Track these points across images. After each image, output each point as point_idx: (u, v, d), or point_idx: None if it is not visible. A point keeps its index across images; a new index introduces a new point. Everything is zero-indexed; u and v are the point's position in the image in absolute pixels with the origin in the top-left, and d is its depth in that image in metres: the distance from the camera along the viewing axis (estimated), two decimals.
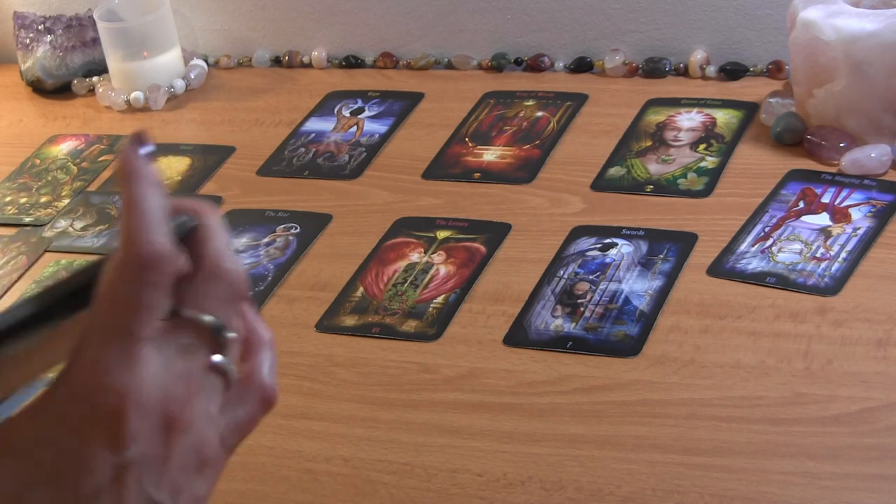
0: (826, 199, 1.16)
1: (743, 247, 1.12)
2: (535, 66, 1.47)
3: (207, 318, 0.57)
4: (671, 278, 1.09)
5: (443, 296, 1.12)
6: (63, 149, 1.46)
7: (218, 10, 1.59)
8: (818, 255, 1.09)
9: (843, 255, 1.09)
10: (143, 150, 0.58)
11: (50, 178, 1.41)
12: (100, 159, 1.43)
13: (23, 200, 1.38)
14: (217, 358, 0.58)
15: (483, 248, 1.17)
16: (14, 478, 0.54)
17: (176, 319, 0.57)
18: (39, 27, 1.57)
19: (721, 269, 1.10)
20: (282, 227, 1.25)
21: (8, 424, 0.55)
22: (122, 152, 0.57)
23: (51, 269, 1.25)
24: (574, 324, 1.06)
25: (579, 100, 1.39)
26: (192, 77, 1.54)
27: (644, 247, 1.14)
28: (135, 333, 0.55)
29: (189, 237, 0.58)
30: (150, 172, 0.57)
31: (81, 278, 0.57)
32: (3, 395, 0.59)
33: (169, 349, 0.56)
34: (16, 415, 0.55)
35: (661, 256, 1.12)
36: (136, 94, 1.51)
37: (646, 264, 1.11)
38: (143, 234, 0.55)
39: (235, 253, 0.58)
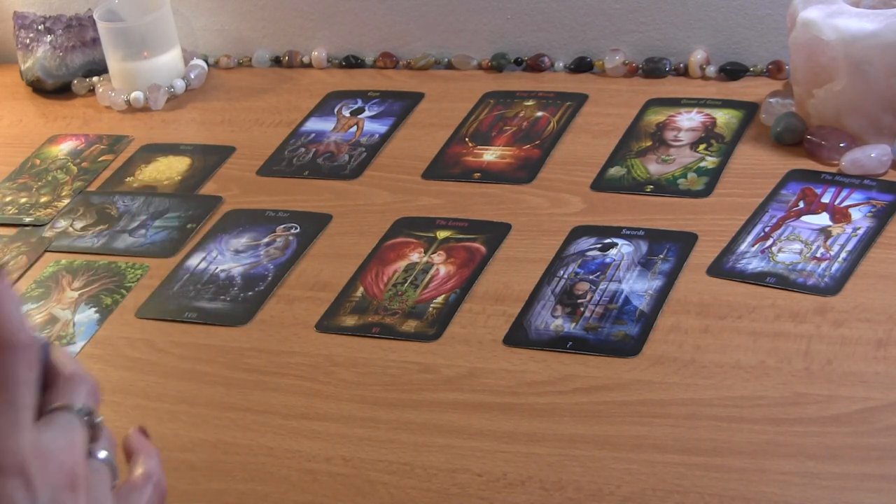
0: (826, 199, 1.16)
1: (743, 247, 1.12)
2: (535, 66, 1.47)
3: (78, 404, 0.65)
4: (671, 278, 1.09)
5: (443, 296, 1.12)
6: (63, 149, 1.46)
7: (218, 10, 1.59)
8: (818, 255, 1.09)
9: (843, 255, 1.09)
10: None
11: (50, 178, 1.41)
12: (100, 159, 1.43)
13: (23, 200, 1.38)
14: (101, 454, 0.65)
15: (483, 248, 1.17)
16: None
17: (51, 411, 0.64)
18: (39, 27, 1.57)
19: (721, 269, 1.10)
20: (282, 227, 1.25)
21: None
22: None
23: (51, 269, 1.25)
24: (574, 324, 1.06)
25: (579, 100, 1.39)
26: (192, 77, 1.54)
27: (644, 247, 1.14)
28: (17, 404, 0.61)
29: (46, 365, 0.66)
30: (5, 281, 0.64)
31: None
32: None
33: (52, 429, 0.63)
34: None
35: (661, 256, 1.12)
36: (136, 94, 1.51)
37: (646, 264, 1.11)
38: (15, 323, 0.62)
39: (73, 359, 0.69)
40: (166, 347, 1.12)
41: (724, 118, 1.31)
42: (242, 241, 1.24)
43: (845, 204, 1.15)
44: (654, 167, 1.25)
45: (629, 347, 1.03)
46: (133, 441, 0.72)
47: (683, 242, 1.13)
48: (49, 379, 0.65)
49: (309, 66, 1.56)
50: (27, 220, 1.34)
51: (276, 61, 1.58)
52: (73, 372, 0.66)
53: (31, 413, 0.62)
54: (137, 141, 1.46)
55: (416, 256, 1.18)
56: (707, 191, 1.21)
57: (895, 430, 0.92)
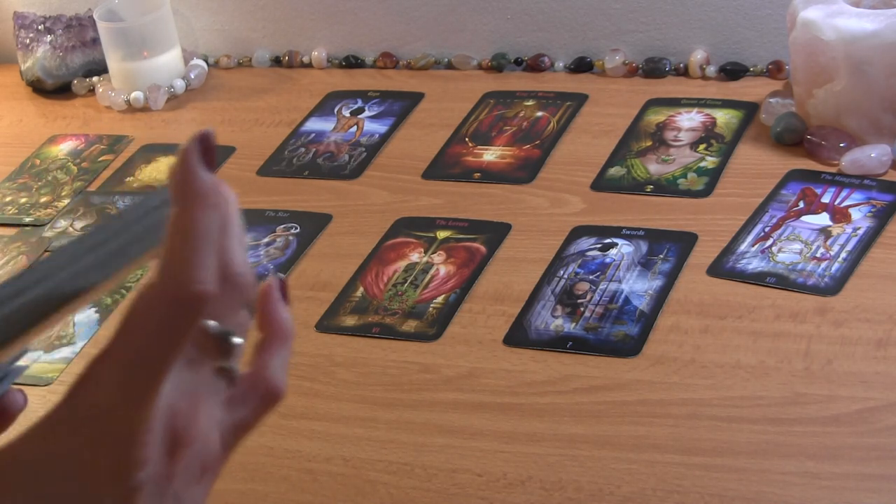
0: (826, 199, 1.16)
1: (743, 247, 1.12)
2: (535, 66, 1.47)
3: (214, 325, 0.55)
4: (671, 278, 1.09)
5: (443, 296, 1.12)
6: (63, 149, 1.46)
7: (218, 10, 1.59)
8: (818, 255, 1.09)
9: (843, 255, 1.09)
10: (207, 158, 0.54)
11: (50, 178, 1.41)
12: (100, 159, 1.43)
13: (23, 200, 1.38)
14: (223, 364, 0.56)
15: (483, 248, 1.17)
16: (20, 499, 0.53)
17: None
18: (39, 27, 1.57)
19: (721, 269, 1.10)
20: (282, 227, 1.25)
21: (16, 442, 0.54)
22: (183, 160, 0.54)
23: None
24: (574, 324, 1.06)
25: (579, 100, 1.39)
26: (192, 77, 1.54)
27: (644, 247, 1.14)
28: (163, 370, 0.52)
29: None
30: (212, 192, 0.54)
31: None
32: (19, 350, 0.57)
33: (177, 363, 0.54)
34: (25, 432, 0.54)
35: (661, 256, 1.12)
36: (136, 94, 1.51)
37: (646, 264, 1.11)
38: (192, 271, 0.52)
39: (245, 255, 0.56)
40: None
41: (724, 118, 1.31)
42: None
43: (845, 204, 1.15)
44: (654, 167, 1.25)
45: (629, 347, 1.03)
46: (267, 309, 0.59)
47: (683, 242, 1.13)
48: None
49: (309, 66, 1.56)
50: (27, 220, 1.34)
51: (276, 61, 1.58)
52: (225, 269, 0.55)
53: (168, 376, 0.53)
54: (137, 141, 1.46)
55: (416, 256, 1.18)
56: (707, 191, 1.21)
57: (895, 430, 0.92)
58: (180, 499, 0.55)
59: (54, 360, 1.12)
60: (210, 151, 0.55)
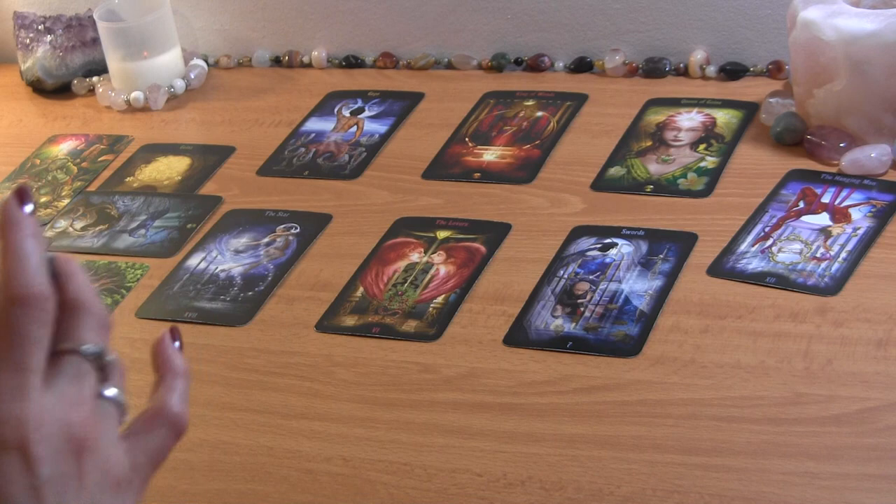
0: (826, 199, 1.16)
1: (743, 247, 1.12)
2: (535, 66, 1.47)
3: (86, 346, 0.62)
4: (671, 278, 1.09)
5: (443, 296, 1.12)
6: (63, 149, 1.46)
7: (218, 10, 1.59)
8: (818, 255, 1.09)
9: (843, 255, 1.09)
10: (24, 207, 0.62)
11: (50, 178, 1.41)
12: (100, 159, 1.43)
13: None
14: (109, 392, 0.62)
15: (483, 248, 1.17)
16: None
17: (58, 354, 0.61)
18: (39, 27, 1.57)
19: (721, 269, 1.10)
20: (282, 227, 1.25)
21: None
22: (4, 205, 0.62)
23: None
24: (574, 324, 1.06)
25: (579, 100, 1.39)
26: (192, 77, 1.54)
27: (644, 247, 1.14)
28: (24, 366, 0.59)
29: (53, 277, 0.62)
30: (29, 223, 0.61)
31: None
32: None
33: (59, 380, 0.60)
34: None
35: (661, 256, 1.12)
36: (136, 94, 1.51)
37: (646, 264, 1.11)
38: (25, 278, 0.60)
39: (92, 286, 0.65)
40: None
41: (724, 118, 1.31)
42: (242, 241, 1.24)
43: (845, 204, 1.15)
44: (654, 167, 1.25)
45: (629, 347, 1.03)
46: (159, 353, 0.68)
47: (683, 242, 1.13)
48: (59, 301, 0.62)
49: (309, 66, 1.56)
50: None
51: (276, 61, 1.58)
52: (79, 299, 0.63)
53: (38, 376, 0.60)
54: (137, 141, 1.46)
55: (416, 256, 1.18)
56: (707, 191, 1.21)
57: (895, 430, 0.92)
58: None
59: None
60: (27, 202, 0.63)
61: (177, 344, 0.68)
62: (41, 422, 0.59)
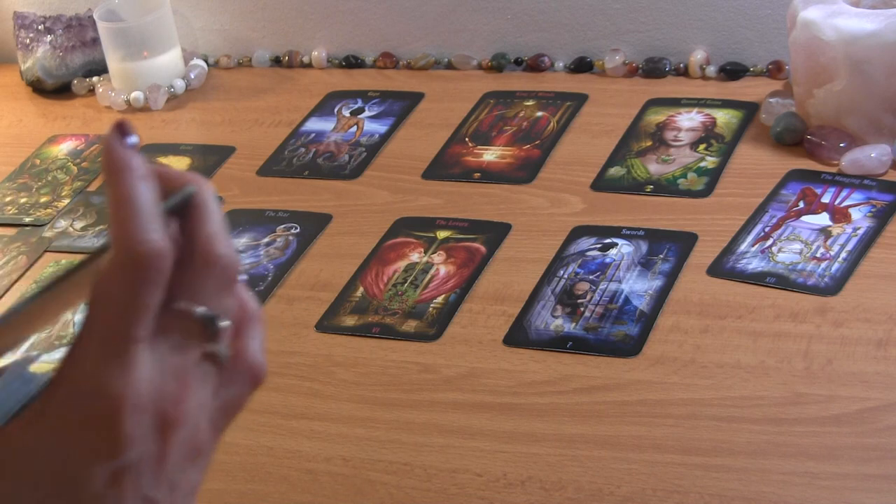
0: (826, 199, 1.16)
1: (743, 247, 1.12)
2: (535, 66, 1.47)
3: (200, 309, 0.55)
4: (671, 278, 1.09)
5: (443, 296, 1.12)
6: (63, 149, 1.46)
7: (218, 10, 1.59)
8: (818, 255, 1.09)
9: (843, 255, 1.09)
10: (128, 141, 0.55)
11: (50, 178, 1.41)
12: (100, 159, 1.42)
13: (23, 200, 1.38)
14: (212, 349, 0.56)
15: (483, 248, 1.17)
16: (13, 487, 0.54)
17: (168, 313, 0.55)
18: (39, 27, 1.57)
19: (721, 269, 1.10)
20: (282, 227, 1.25)
21: (10, 428, 0.54)
22: (106, 144, 0.55)
23: (51, 269, 1.25)
24: (574, 324, 1.06)
25: (579, 100, 1.39)
26: (192, 77, 1.54)
27: (644, 247, 1.14)
28: (132, 336, 0.53)
29: (182, 214, 0.55)
30: (137, 164, 0.54)
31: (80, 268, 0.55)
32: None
33: (162, 346, 0.54)
34: (12, 423, 0.54)
35: (661, 256, 1.12)
36: (136, 94, 1.51)
37: (646, 264, 1.11)
38: (136, 233, 0.53)
39: (228, 235, 0.57)
40: None
41: (724, 118, 1.31)
42: (242, 241, 1.24)
43: (845, 204, 1.15)
44: (654, 167, 1.25)
45: (629, 347, 1.03)
46: (239, 304, 0.58)
47: (683, 242, 1.13)
48: (185, 247, 0.55)
49: (309, 66, 1.56)
50: (27, 220, 1.34)
51: (276, 61, 1.58)
52: (207, 251, 0.55)
53: (142, 347, 0.53)
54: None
55: (416, 256, 1.18)
56: (707, 191, 1.21)
57: (895, 430, 0.92)
58: (175, 482, 0.55)
59: (54, 361, 1.12)
60: (130, 135, 0.55)
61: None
62: (137, 399, 0.53)
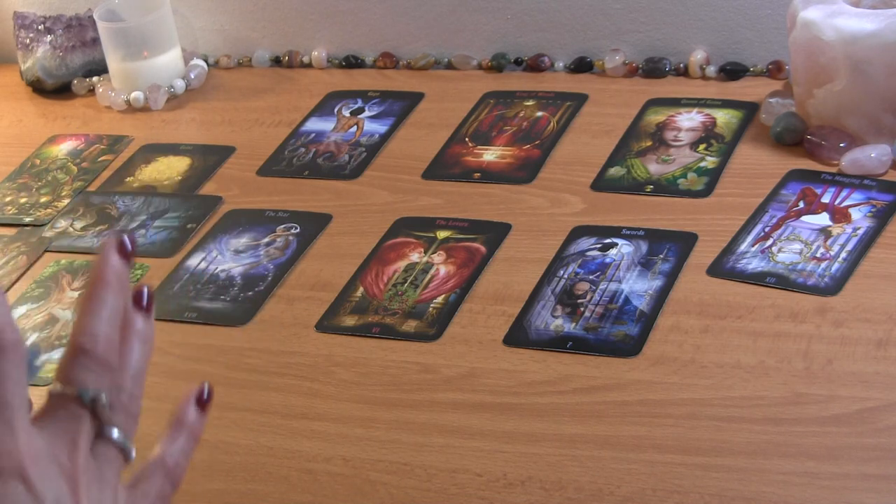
0: (826, 199, 1.16)
1: (743, 247, 1.12)
2: (535, 66, 1.47)
3: (82, 390, 0.64)
4: (671, 278, 1.09)
5: (443, 296, 1.12)
6: (63, 149, 1.46)
7: (218, 10, 1.59)
8: (818, 255, 1.09)
9: (843, 255, 1.09)
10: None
11: (50, 178, 1.41)
12: (100, 159, 1.43)
13: (23, 200, 1.38)
14: (114, 433, 0.64)
15: (483, 248, 1.17)
16: None
17: (53, 398, 0.63)
18: (39, 27, 1.57)
19: (721, 269, 1.10)
20: (282, 227, 1.25)
21: None
22: (103, 249, 0.66)
23: (51, 269, 1.25)
24: (574, 324, 1.06)
25: (579, 100, 1.39)
26: (192, 77, 1.54)
27: (644, 247, 1.14)
28: (10, 403, 0.60)
29: None
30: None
31: None
32: None
33: (54, 423, 0.63)
34: None
35: (661, 256, 1.12)
36: (136, 94, 1.51)
37: (646, 264, 1.11)
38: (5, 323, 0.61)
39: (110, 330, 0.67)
40: (166, 347, 1.12)
41: (724, 118, 1.31)
42: (242, 241, 1.24)
43: (845, 204, 1.15)
44: (654, 167, 1.25)
45: (629, 347, 1.03)
46: (178, 412, 0.70)
47: (683, 242, 1.13)
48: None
49: (309, 66, 1.56)
50: (27, 220, 1.34)
51: (276, 61, 1.58)
52: (79, 343, 0.64)
53: (24, 413, 0.61)
54: (137, 141, 1.46)
55: (416, 256, 1.18)
56: (707, 191, 1.21)
57: (895, 430, 0.92)
58: None
59: (54, 361, 1.12)
60: (125, 250, 0.66)
61: (206, 395, 0.70)
62: (35, 458, 0.60)
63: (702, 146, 1.27)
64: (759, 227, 1.14)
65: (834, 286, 1.06)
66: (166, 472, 0.68)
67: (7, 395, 0.61)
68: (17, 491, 0.59)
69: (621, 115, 1.34)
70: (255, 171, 1.37)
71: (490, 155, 1.32)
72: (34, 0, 1.65)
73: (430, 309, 1.11)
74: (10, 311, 0.62)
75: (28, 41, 1.57)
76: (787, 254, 1.10)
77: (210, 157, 1.40)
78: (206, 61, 1.57)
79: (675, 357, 1.01)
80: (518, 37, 1.48)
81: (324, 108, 1.46)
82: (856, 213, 1.13)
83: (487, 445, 0.96)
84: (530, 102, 1.39)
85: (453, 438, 0.97)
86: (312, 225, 1.25)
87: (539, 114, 1.37)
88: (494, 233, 1.19)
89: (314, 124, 1.43)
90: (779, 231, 1.13)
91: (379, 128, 1.40)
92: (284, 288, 1.17)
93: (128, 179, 1.39)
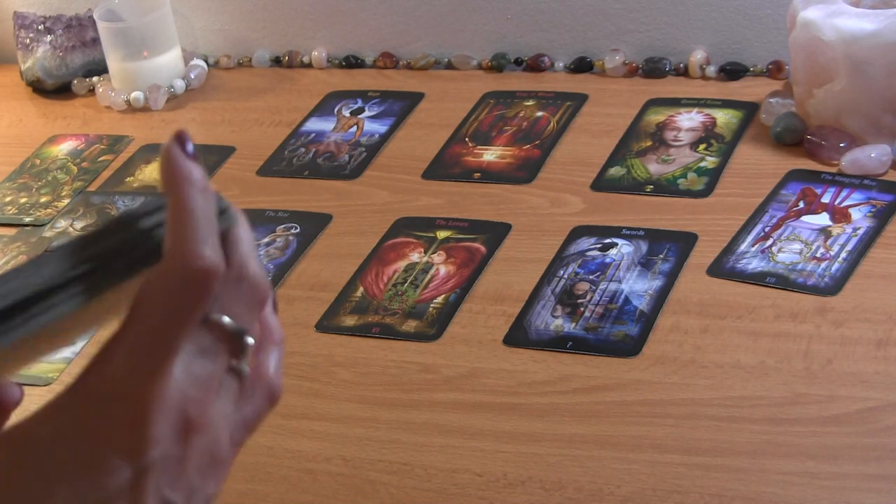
0: (826, 199, 1.16)
1: (743, 247, 1.12)
2: (535, 66, 1.47)
3: (230, 322, 0.56)
4: (671, 278, 1.09)
5: (443, 296, 1.12)
6: (63, 149, 1.46)
7: (218, 10, 1.59)
8: (818, 255, 1.09)
9: (843, 255, 1.09)
10: (188, 150, 0.56)
11: (50, 178, 1.41)
12: (100, 159, 1.43)
13: (23, 200, 1.38)
14: (235, 360, 0.57)
15: (483, 248, 1.17)
16: (34, 475, 0.54)
17: (199, 323, 0.56)
18: (39, 27, 1.57)
19: (721, 269, 1.10)
20: (282, 227, 1.25)
21: (29, 421, 0.55)
22: (167, 153, 0.56)
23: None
24: (574, 324, 1.06)
25: (579, 100, 1.39)
26: (192, 77, 1.54)
27: (644, 247, 1.14)
28: (173, 348, 0.54)
29: (221, 237, 0.56)
30: (198, 176, 0.56)
31: (117, 240, 0.55)
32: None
33: (191, 351, 0.55)
34: (37, 411, 0.55)
35: (661, 256, 1.12)
36: (136, 94, 1.51)
37: (646, 264, 1.11)
38: (193, 246, 0.54)
39: (258, 258, 0.59)
40: None
41: (724, 118, 1.31)
42: None
43: (845, 204, 1.15)
44: (654, 167, 1.25)
45: (629, 347, 1.03)
46: (260, 320, 0.60)
47: (683, 242, 1.13)
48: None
49: (309, 66, 1.56)
50: (27, 220, 1.34)
51: (276, 61, 1.58)
52: (241, 270, 0.56)
53: (178, 356, 0.54)
54: (137, 141, 1.46)
55: (416, 256, 1.18)
56: (707, 191, 1.21)
57: (895, 430, 0.92)
58: (193, 488, 0.56)
59: (54, 361, 1.12)
60: (189, 145, 0.58)
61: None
62: (165, 400, 0.54)
63: (702, 146, 1.27)
64: (759, 227, 1.14)
65: (834, 286, 1.06)
66: (268, 390, 0.60)
67: (176, 338, 0.54)
68: (121, 443, 0.53)
69: (621, 115, 1.34)
70: (255, 171, 1.37)
71: (490, 155, 1.32)
72: (34, 0, 1.65)
73: (430, 309, 1.11)
74: (214, 229, 0.55)
75: (28, 41, 1.57)
76: (787, 254, 1.10)
77: (210, 157, 1.40)
78: (206, 61, 1.57)
79: (675, 357, 1.01)
80: (518, 37, 1.48)
81: (324, 108, 1.46)
82: (856, 213, 1.13)
83: (487, 445, 0.96)
84: (530, 102, 1.39)
85: (453, 438, 0.97)
86: (312, 225, 1.25)
87: (539, 114, 1.37)
88: (494, 233, 1.19)
89: (314, 124, 1.43)
90: (779, 231, 1.13)
91: (379, 128, 1.40)
92: (284, 288, 1.17)
93: (128, 179, 1.39)
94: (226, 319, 0.56)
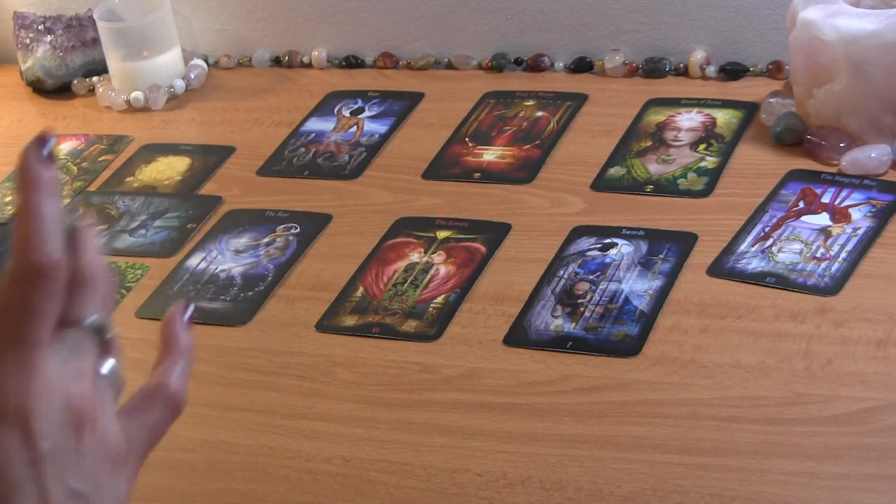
0: (826, 199, 1.16)
1: (743, 247, 1.12)
2: (535, 66, 1.47)
3: (89, 319, 0.61)
4: (671, 278, 1.09)
5: (443, 296, 1.12)
6: (63, 149, 1.46)
7: (218, 10, 1.59)
8: (818, 255, 1.09)
9: (843, 255, 1.09)
10: (45, 149, 0.61)
11: None
12: (100, 159, 1.43)
13: None
14: (107, 368, 0.61)
15: (483, 248, 1.17)
16: None
17: (61, 324, 0.60)
18: (39, 27, 1.57)
19: (721, 269, 1.10)
20: (282, 227, 1.25)
21: None
22: (22, 156, 0.60)
23: None
24: (574, 324, 1.06)
25: (579, 100, 1.39)
26: (192, 77, 1.54)
27: (644, 247, 1.14)
28: (32, 341, 0.58)
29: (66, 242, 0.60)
30: (48, 180, 0.59)
31: None
32: None
33: (61, 350, 0.59)
34: None
35: (661, 256, 1.12)
36: (136, 94, 1.51)
37: (646, 264, 1.11)
38: (36, 244, 0.58)
39: (101, 258, 0.63)
40: None
41: (724, 118, 1.31)
42: (242, 241, 1.24)
43: (845, 204, 1.15)
44: (654, 167, 1.25)
45: (629, 347, 1.03)
46: (166, 330, 0.66)
47: (683, 242, 1.13)
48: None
49: (309, 66, 1.56)
50: None
51: (276, 61, 1.58)
52: (88, 272, 0.61)
53: (43, 351, 0.58)
54: (137, 141, 1.46)
55: (416, 256, 1.18)
56: (707, 191, 1.21)
57: (895, 430, 0.92)
58: (98, 482, 0.59)
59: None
60: (49, 152, 0.62)
61: (188, 315, 0.66)
62: (44, 395, 0.57)
63: (702, 146, 1.27)
64: (759, 227, 1.14)
65: (834, 286, 1.06)
66: (169, 401, 0.64)
67: (34, 331, 0.58)
68: (12, 438, 0.57)
69: (621, 115, 1.34)
70: (255, 171, 1.36)
71: (490, 155, 1.32)
72: (34, 0, 1.65)
73: (430, 309, 1.11)
74: (58, 230, 0.58)
75: (28, 41, 1.57)
76: (787, 254, 1.10)
77: (210, 157, 1.40)
78: (206, 61, 1.57)
79: (675, 357, 1.01)
80: (518, 37, 1.48)
81: (324, 108, 1.46)
82: (856, 213, 1.13)
83: (487, 445, 0.96)
84: (530, 102, 1.39)
85: (453, 438, 0.97)
86: (312, 225, 1.25)
87: (539, 114, 1.37)
88: (494, 233, 1.19)
89: (314, 124, 1.43)
90: (779, 231, 1.13)
91: (379, 128, 1.40)
92: (284, 288, 1.17)
93: (128, 179, 1.39)
94: (86, 317, 0.61)
